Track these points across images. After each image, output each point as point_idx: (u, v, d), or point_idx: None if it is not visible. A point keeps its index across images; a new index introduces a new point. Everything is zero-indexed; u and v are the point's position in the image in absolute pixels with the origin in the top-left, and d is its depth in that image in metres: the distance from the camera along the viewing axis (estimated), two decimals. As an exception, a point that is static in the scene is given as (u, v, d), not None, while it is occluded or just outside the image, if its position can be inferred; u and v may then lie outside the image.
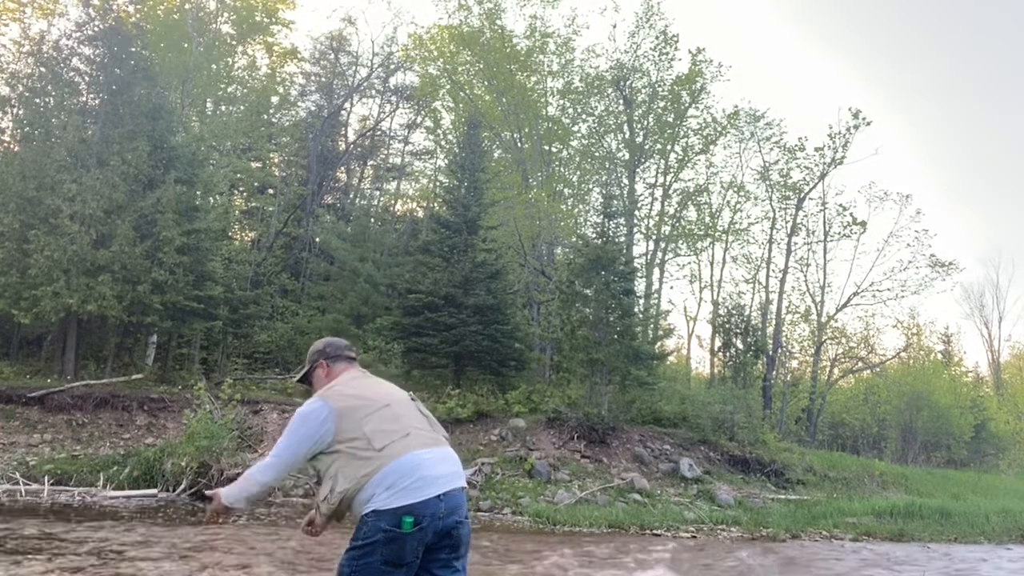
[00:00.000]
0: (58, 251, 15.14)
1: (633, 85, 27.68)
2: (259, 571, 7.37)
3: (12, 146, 18.36)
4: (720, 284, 29.24)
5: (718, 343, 25.62)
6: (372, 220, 30.38)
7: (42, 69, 17.59)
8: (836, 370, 30.24)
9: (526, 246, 23.99)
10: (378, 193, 35.83)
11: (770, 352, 25.62)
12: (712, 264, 29.91)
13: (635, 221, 27.27)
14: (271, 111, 30.41)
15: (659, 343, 23.72)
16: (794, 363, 31.40)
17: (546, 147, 28.70)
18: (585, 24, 47.01)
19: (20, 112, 18.58)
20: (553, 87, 29.40)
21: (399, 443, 2.89)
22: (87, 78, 17.85)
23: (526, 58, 28.41)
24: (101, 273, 15.39)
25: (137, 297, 15.71)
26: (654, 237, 28.63)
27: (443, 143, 31.79)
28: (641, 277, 26.12)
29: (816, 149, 27.16)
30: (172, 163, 17.46)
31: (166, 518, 10.47)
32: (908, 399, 30.08)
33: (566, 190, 29.49)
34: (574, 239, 24.16)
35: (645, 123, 28.19)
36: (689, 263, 30.57)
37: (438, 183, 30.19)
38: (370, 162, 35.47)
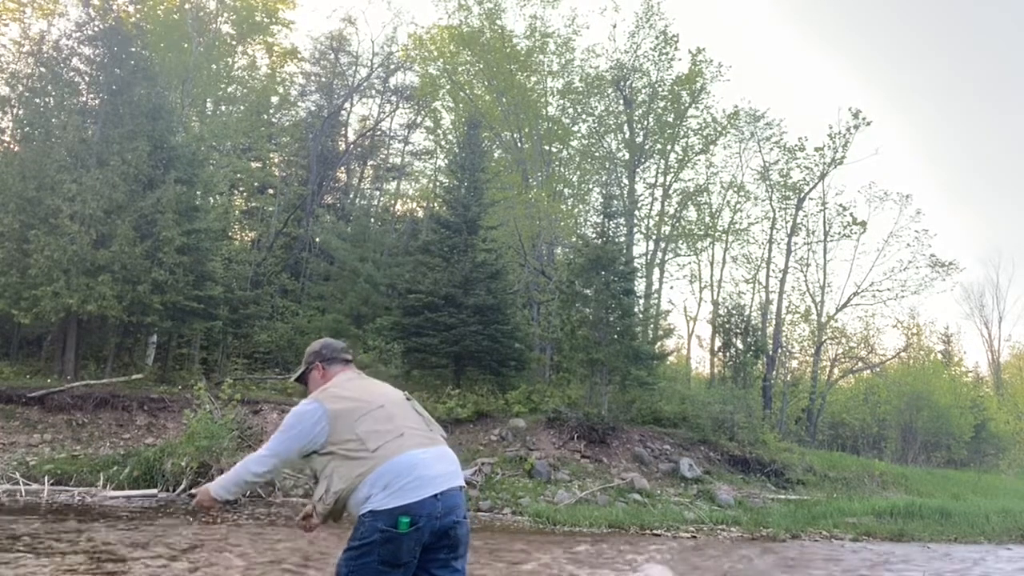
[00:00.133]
0: (58, 251, 15.14)
1: (633, 85, 27.68)
2: (251, 571, 7.37)
3: (12, 146, 18.36)
4: (720, 284, 29.27)
5: (718, 343, 25.61)
6: (372, 220, 30.38)
7: (42, 69, 17.59)
8: (836, 370, 30.24)
9: (526, 246, 23.99)
10: (378, 193, 35.85)
11: (770, 352, 25.62)
12: (712, 264, 29.94)
13: (635, 221, 27.27)
14: (271, 111, 30.41)
15: (659, 343, 23.72)
16: (794, 363, 31.43)
17: (546, 147, 28.71)
18: (585, 24, 47.02)
19: (20, 112, 18.59)
20: (553, 87, 29.45)
21: (393, 443, 2.89)
22: (87, 78, 17.85)
23: (526, 58, 28.41)
24: (101, 273, 15.39)
25: (137, 297, 15.71)
26: (654, 237, 28.64)
27: (443, 143, 31.81)
28: (641, 277, 26.13)
29: (816, 149, 27.19)
30: (172, 163, 17.46)
31: (165, 518, 10.47)
32: (908, 399, 30.08)
33: (566, 190, 29.49)
34: (574, 239, 24.16)
35: (645, 123, 28.19)
36: (689, 263, 30.60)
37: (438, 183, 30.19)
38: (370, 162, 35.48)
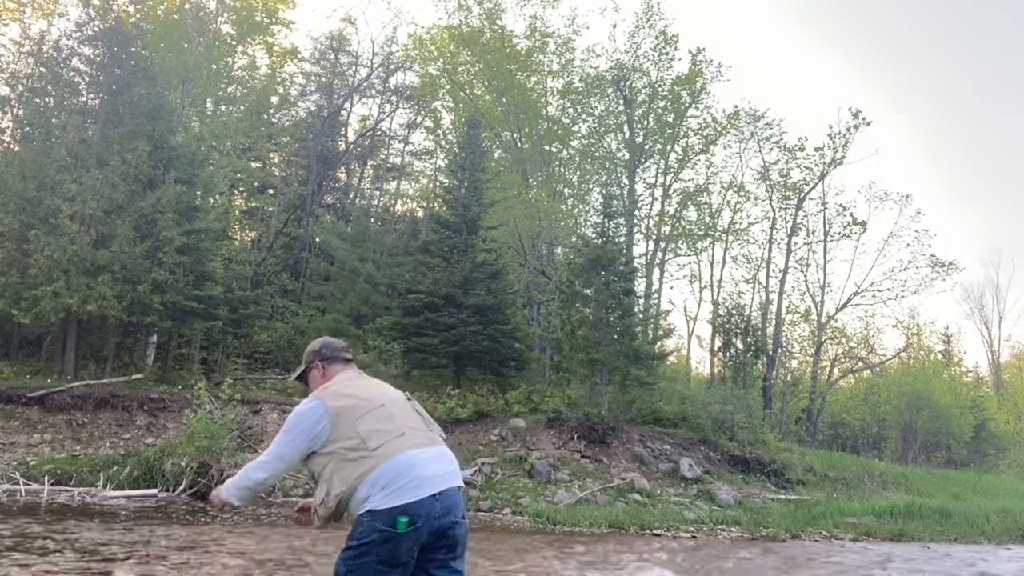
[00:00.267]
0: (58, 251, 15.14)
1: (633, 85, 27.68)
2: (247, 571, 7.37)
3: (12, 146, 18.36)
4: (720, 284, 29.26)
5: (718, 343, 25.62)
6: (372, 220, 30.38)
7: (42, 69, 17.59)
8: (836, 370, 30.24)
9: (526, 246, 23.99)
10: (378, 193, 35.85)
11: (770, 352, 25.62)
12: (712, 264, 29.94)
13: (635, 221, 27.27)
14: (271, 111, 30.41)
15: (659, 343, 23.73)
16: (794, 363, 31.43)
17: (546, 147, 28.71)
18: (585, 24, 46.97)
19: (20, 112, 18.60)
20: (553, 87, 29.44)
21: (393, 443, 2.89)
22: (87, 78, 17.86)
23: (526, 58, 28.41)
24: (101, 273, 15.39)
25: (137, 297, 15.71)
26: (654, 237, 28.64)
27: (443, 143, 31.81)
28: (641, 277, 26.13)
29: (816, 149, 27.19)
30: (172, 163, 17.46)
31: (164, 518, 10.46)
32: (908, 399, 30.08)
33: (566, 190, 29.49)
34: (574, 239, 24.16)
35: (645, 123, 28.19)
36: (689, 263, 30.59)
37: (438, 183, 30.19)
38: (370, 162, 35.48)
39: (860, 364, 31.16)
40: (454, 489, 2.93)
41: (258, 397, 16.20)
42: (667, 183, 28.78)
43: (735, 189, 28.93)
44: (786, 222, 27.91)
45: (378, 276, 23.85)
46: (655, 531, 12.47)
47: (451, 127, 30.93)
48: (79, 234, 15.41)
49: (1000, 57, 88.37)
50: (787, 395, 26.94)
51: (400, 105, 33.31)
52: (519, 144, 28.51)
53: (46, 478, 12.02)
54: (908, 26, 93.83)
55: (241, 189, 29.44)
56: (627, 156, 28.10)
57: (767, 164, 28.38)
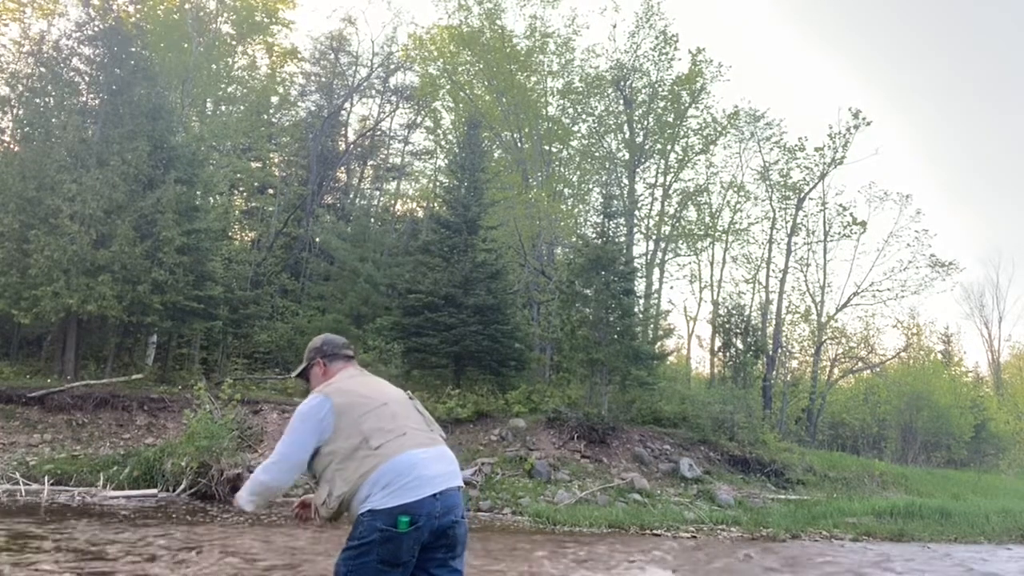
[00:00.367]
0: (58, 251, 15.14)
1: (633, 85, 27.68)
2: (244, 571, 7.37)
3: (12, 146, 18.36)
4: (720, 284, 29.28)
5: (718, 343, 25.62)
6: (372, 220, 30.37)
7: (42, 69, 17.59)
8: (836, 370, 30.24)
9: (526, 246, 23.99)
10: (378, 193, 35.85)
11: (770, 352, 25.61)
12: (712, 264, 29.94)
13: (635, 221, 27.28)
14: (271, 111, 30.41)
15: (659, 343, 23.72)
16: (794, 363, 31.42)
17: (546, 147, 28.70)
18: (585, 24, 47.04)
19: (20, 112, 18.59)
20: (553, 87, 29.45)
21: (395, 442, 2.89)
22: (87, 78, 17.86)
23: (526, 58, 28.41)
24: (101, 273, 15.39)
25: (137, 297, 15.71)
26: (654, 237, 28.65)
27: (443, 143, 31.81)
28: (641, 277, 26.13)
29: (816, 149, 27.18)
30: (172, 163, 17.46)
31: (164, 518, 10.47)
32: (908, 399, 30.07)
33: (566, 190, 29.49)
34: (574, 239, 24.16)
35: (645, 123, 28.19)
36: (689, 263, 30.61)
37: (438, 183, 30.19)
38: (370, 162, 35.48)
39: (860, 364, 31.16)
40: (454, 489, 2.94)
41: (258, 397, 16.20)
42: (667, 183, 28.81)
43: (735, 189, 28.95)
44: (786, 222, 27.93)
45: (378, 276, 23.85)
46: (655, 531, 12.47)
47: (451, 127, 30.94)
48: (79, 234, 15.40)
49: (1000, 57, 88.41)
50: (787, 395, 26.94)
51: (400, 105, 33.34)
52: (519, 144, 28.51)
53: (46, 478, 12.02)
54: (908, 26, 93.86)
55: (241, 189, 29.44)
56: (627, 156, 28.10)
57: (767, 164, 28.41)
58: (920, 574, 10.03)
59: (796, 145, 27.67)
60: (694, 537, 12.26)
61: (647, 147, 28.19)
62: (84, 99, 17.78)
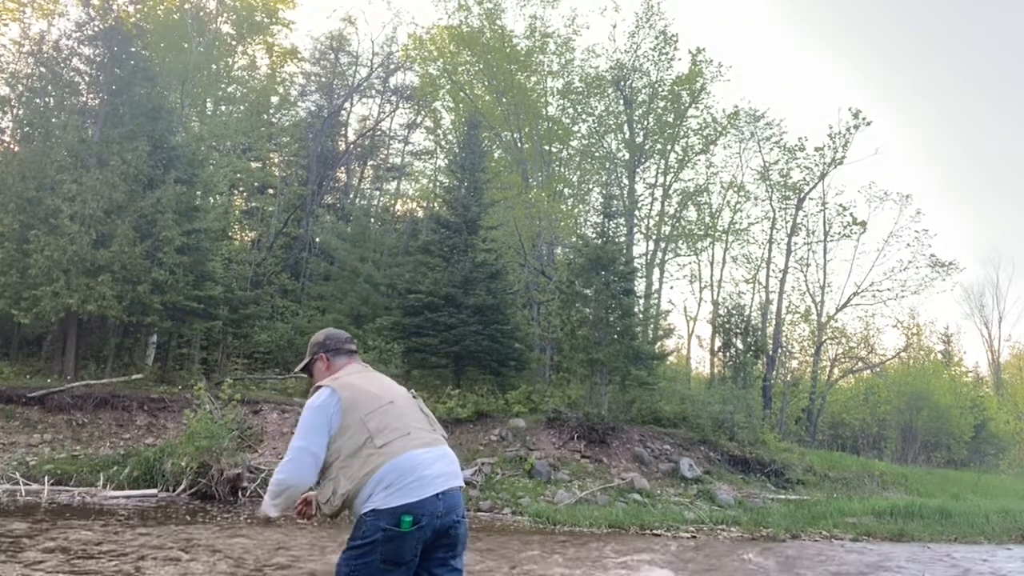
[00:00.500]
0: (58, 251, 15.13)
1: (633, 85, 27.68)
2: (239, 571, 7.37)
3: (12, 146, 18.35)
4: (720, 284, 29.31)
5: (718, 343, 25.63)
6: (372, 220, 30.36)
7: (42, 69, 17.58)
8: (836, 370, 30.25)
9: (526, 246, 23.99)
10: (378, 193, 35.84)
11: (770, 352, 25.62)
12: (712, 264, 29.97)
13: (635, 221, 27.28)
14: (271, 111, 30.41)
15: (659, 343, 23.71)
16: (794, 363, 31.46)
17: (546, 147, 28.70)
18: (585, 24, 47.14)
19: (20, 112, 18.58)
20: (553, 87, 29.45)
21: (399, 442, 2.90)
22: (87, 78, 17.85)
23: (526, 58, 28.41)
24: (101, 273, 15.39)
25: (137, 297, 15.71)
26: (654, 237, 28.65)
27: (443, 143, 31.82)
28: (641, 277, 26.13)
29: (816, 149, 27.22)
30: (172, 163, 17.46)
31: (163, 518, 10.46)
32: (908, 399, 30.08)
33: (566, 190, 29.49)
34: (574, 239, 24.15)
35: (645, 123, 28.19)
36: (689, 263, 30.64)
37: (438, 183, 30.20)
38: (370, 162, 35.47)
39: (860, 364, 31.17)
40: (456, 489, 2.96)
41: (258, 397, 16.19)
42: (667, 183, 28.81)
43: (735, 189, 28.96)
44: (786, 222, 27.95)
45: (378, 276, 23.85)
46: (655, 531, 12.47)
47: (451, 127, 30.95)
48: (79, 234, 15.40)
49: (1000, 57, 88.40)
50: (787, 395, 26.95)
51: (400, 105, 33.34)
52: (519, 144, 28.51)
53: (46, 478, 12.01)
54: (908, 26, 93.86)
55: (241, 189, 29.44)
56: (627, 156, 28.10)
57: (767, 164, 28.43)
58: (920, 574, 10.03)
59: (796, 145, 27.75)
60: (694, 537, 12.26)
61: (647, 147, 28.19)
62: (84, 99, 17.77)
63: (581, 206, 29.07)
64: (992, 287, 54.01)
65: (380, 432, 2.89)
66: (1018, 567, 11.24)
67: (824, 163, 27.07)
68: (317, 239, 28.51)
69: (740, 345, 23.90)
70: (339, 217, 30.98)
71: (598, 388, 18.34)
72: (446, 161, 28.66)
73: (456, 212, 20.54)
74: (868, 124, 26.62)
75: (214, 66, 26.54)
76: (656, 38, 27.41)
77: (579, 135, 29.49)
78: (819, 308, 28.32)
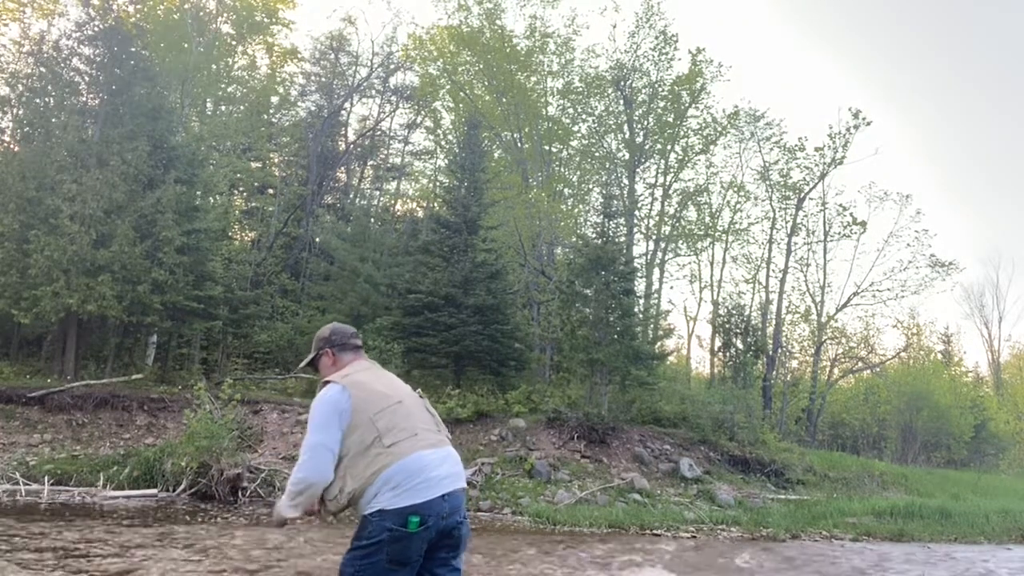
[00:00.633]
0: (58, 251, 15.13)
1: (633, 85, 27.68)
2: (230, 571, 7.37)
3: (12, 146, 18.35)
4: (720, 284, 29.32)
5: (718, 343, 25.64)
6: (372, 220, 30.36)
7: (42, 69, 17.58)
8: (836, 370, 30.25)
9: (526, 246, 23.99)
10: (378, 193, 35.85)
11: (770, 352, 25.62)
12: (712, 264, 29.99)
13: (635, 221, 27.28)
14: (271, 111, 30.40)
15: (659, 343, 23.71)
16: (794, 363, 31.46)
17: (546, 147, 28.71)
18: (585, 24, 47.15)
19: (20, 112, 18.58)
20: (553, 87, 29.46)
21: (407, 442, 2.91)
22: (87, 78, 17.85)
23: (526, 58, 28.41)
24: (101, 273, 15.38)
25: (137, 297, 15.70)
26: (654, 237, 28.66)
27: (443, 143, 31.82)
28: (641, 277, 26.14)
29: (816, 149, 27.22)
30: (172, 163, 17.46)
31: (163, 518, 10.46)
32: (908, 399, 30.08)
33: (566, 190, 29.49)
34: (574, 239, 24.15)
35: (645, 123, 28.19)
36: (689, 263, 30.66)
37: (438, 183, 30.20)
38: (370, 162, 35.48)
39: (860, 364, 31.17)
40: (460, 490, 2.98)
41: (258, 397, 16.18)
42: (667, 183, 28.82)
43: (735, 189, 28.97)
44: (786, 222, 27.96)
45: (378, 276, 23.85)
46: (655, 531, 12.47)
47: (451, 127, 30.95)
48: (79, 234, 15.39)
49: (1000, 57, 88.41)
50: (787, 395, 26.95)
51: (400, 105, 33.35)
52: (519, 144, 28.51)
53: (46, 478, 12.00)
54: (908, 26, 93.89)
55: (241, 189, 29.44)
56: (627, 156, 28.10)
57: (767, 164, 28.43)
58: (921, 575, 10.02)
59: (796, 145, 27.76)
60: (694, 537, 12.26)
61: (647, 147, 28.19)
62: (84, 99, 17.77)
63: (581, 206, 29.08)
64: (992, 287, 54.10)
65: (389, 432, 2.90)
66: (1018, 567, 11.24)
67: (824, 163, 27.09)
68: (317, 239, 28.51)
69: (740, 345, 23.90)
70: (339, 217, 30.98)
71: (598, 388, 18.33)
72: (446, 161, 28.67)
73: (456, 212, 20.54)
74: (868, 124, 26.65)
75: (214, 66, 26.54)
76: (656, 38, 27.43)
77: (579, 135, 29.50)
78: (819, 308, 28.35)
